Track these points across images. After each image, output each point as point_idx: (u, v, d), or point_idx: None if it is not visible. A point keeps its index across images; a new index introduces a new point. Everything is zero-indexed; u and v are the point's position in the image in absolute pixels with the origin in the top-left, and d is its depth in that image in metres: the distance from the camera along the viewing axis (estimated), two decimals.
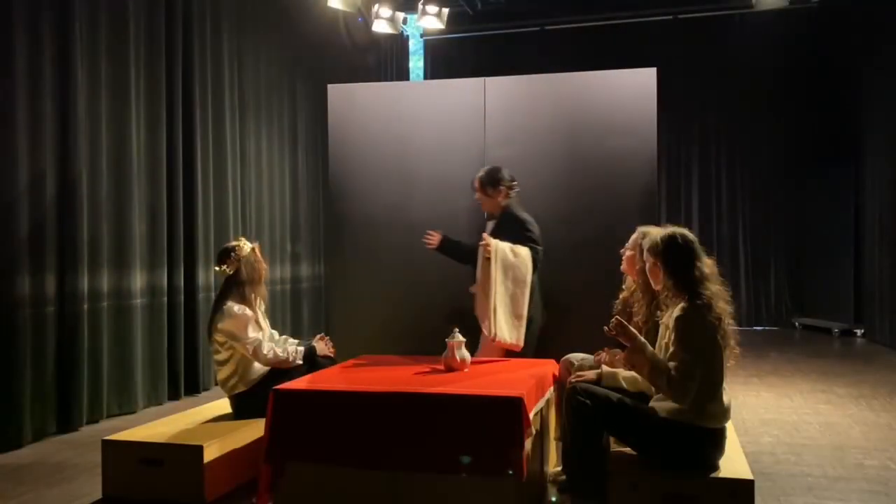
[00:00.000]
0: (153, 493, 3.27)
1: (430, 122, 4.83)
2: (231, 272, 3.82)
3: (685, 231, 3.00)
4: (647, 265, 3.05)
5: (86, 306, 4.79)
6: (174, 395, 5.64)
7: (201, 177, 6.00)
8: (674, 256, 2.92)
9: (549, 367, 3.63)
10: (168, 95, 5.67)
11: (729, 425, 3.52)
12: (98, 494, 3.39)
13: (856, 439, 4.32)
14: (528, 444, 2.87)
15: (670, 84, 7.52)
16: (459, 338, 3.51)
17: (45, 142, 4.54)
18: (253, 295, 3.84)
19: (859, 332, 8.73)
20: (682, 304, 2.84)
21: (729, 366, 2.99)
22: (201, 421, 3.68)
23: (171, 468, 3.27)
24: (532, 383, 3.12)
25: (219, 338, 3.72)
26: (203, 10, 6.12)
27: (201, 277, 5.97)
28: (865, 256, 8.73)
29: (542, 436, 3.28)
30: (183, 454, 3.27)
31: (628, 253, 3.49)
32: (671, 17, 10.09)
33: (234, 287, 3.81)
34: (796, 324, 9.68)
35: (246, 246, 3.86)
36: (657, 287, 3.05)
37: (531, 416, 2.92)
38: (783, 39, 9.78)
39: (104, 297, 5.00)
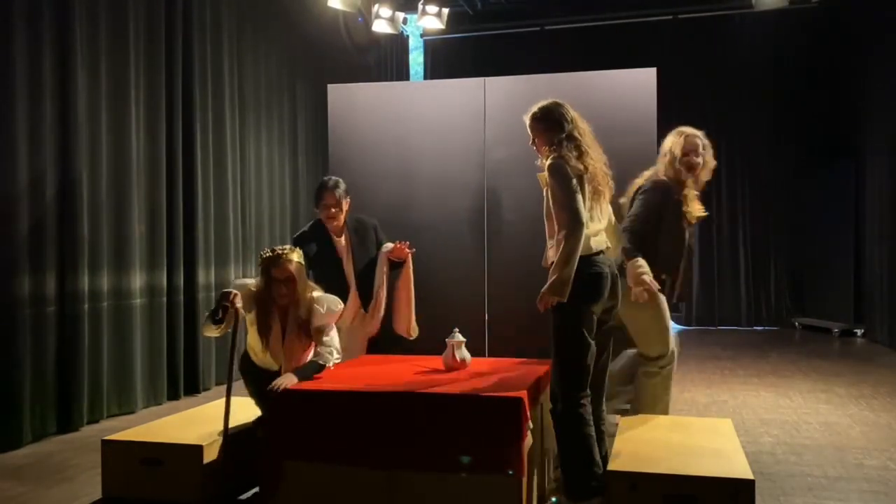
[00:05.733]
0: (153, 493, 3.26)
1: (430, 122, 4.83)
2: None
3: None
4: (533, 136, 3.21)
5: (86, 306, 4.79)
6: (174, 395, 5.64)
7: (201, 177, 6.00)
8: (547, 117, 3.13)
9: (548, 366, 3.63)
10: (168, 95, 5.67)
11: (730, 425, 3.54)
12: (98, 494, 3.39)
13: (856, 439, 4.32)
14: (528, 443, 2.87)
15: (670, 84, 7.51)
16: (459, 338, 3.51)
17: (45, 142, 4.54)
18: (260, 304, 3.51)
19: (859, 332, 8.72)
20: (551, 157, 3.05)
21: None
22: (201, 421, 3.67)
23: (171, 468, 3.27)
24: (531, 382, 3.12)
25: None
26: (203, 9, 6.12)
27: (201, 277, 5.97)
28: (865, 256, 8.72)
29: (542, 435, 3.28)
30: (183, 454, 3.26)
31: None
32: (671, 17, 10.09)
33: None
34: (796, 324, 9.68)
35: (271, 254, 3.49)
36: (540, 153, 3.20)
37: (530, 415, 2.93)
38: (783, 39, 9.77)
39: (104, 297, 5.00)
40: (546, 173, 3.05)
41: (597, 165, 3.08)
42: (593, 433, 3.01)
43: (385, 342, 4.24)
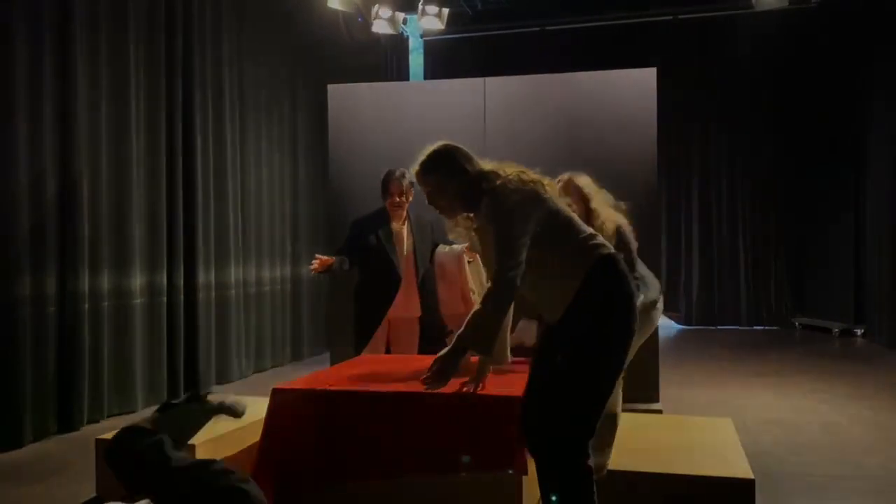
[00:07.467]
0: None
1: (430, 122, 4.83)
2: None
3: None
4: (427, 193, 2.66)
5: (86, 306, 4.79)
6: (174, 395, 5.64)
7: (201, 177, 6.00)
8: (445, 163, 2.61)
9: None
10: (168, 95, 5.68)
11: (730, 424, 3.53)
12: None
13: (856, 439, 4.32)
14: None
15: (670, 84, 7.52)
16: None
17: (45, 142, 4.54)
18: None
19: (859, 332, 8.73)
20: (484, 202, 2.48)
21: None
22: None
23: None
24: None
25: None
26: (203, 9, 6.12)
27: (201, 277, 5.97)
28: (865, 256, 8.72)
29: None
30: None
31: None
32: (671, 17, 10.09)
33: None
34: (796, 324, 9.68)
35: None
36: (448, 214, 2.68)
37: None
38: (783, 39, 9.78)
39: (104, 297, 5.00)
40: (480, 221, 2.50)
41: (542, 177, 2.60)
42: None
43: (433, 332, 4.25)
